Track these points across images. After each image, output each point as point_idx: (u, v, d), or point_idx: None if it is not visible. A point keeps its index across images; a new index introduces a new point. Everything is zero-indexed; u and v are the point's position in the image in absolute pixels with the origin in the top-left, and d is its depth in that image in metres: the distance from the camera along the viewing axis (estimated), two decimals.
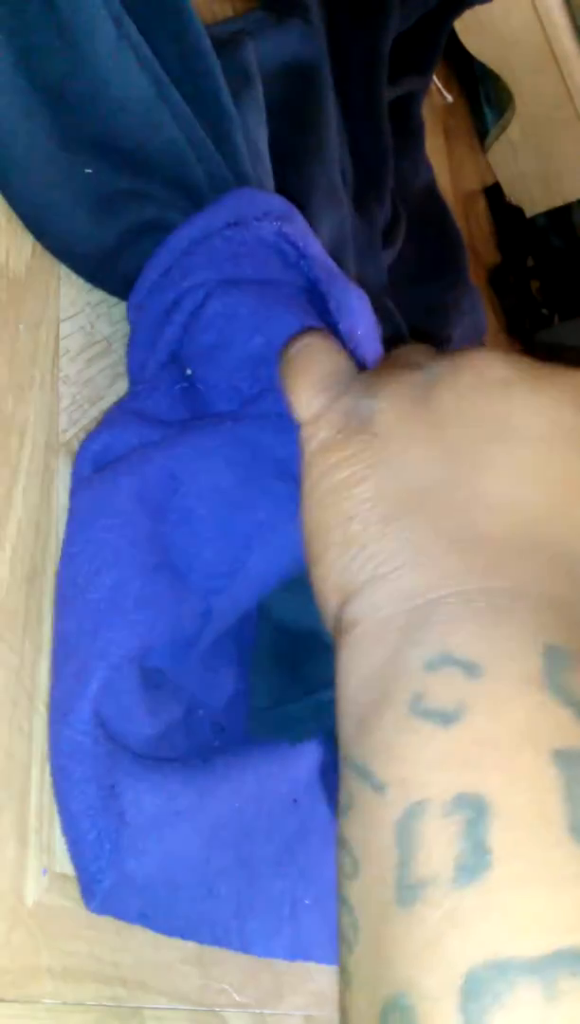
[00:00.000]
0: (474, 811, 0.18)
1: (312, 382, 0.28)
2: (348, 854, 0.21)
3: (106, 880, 0.27)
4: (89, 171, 0.34)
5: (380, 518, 0.24)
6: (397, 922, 0.19)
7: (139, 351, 0.35)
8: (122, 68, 0.33)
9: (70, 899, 0.28)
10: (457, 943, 0.18)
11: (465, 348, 0.28)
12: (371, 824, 0.20)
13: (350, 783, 0.21)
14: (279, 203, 0.36)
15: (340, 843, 0.21)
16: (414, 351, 0.29)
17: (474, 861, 0.18)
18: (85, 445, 0.32)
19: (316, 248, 0.37)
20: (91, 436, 0.32)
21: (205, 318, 0.33)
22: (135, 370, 0.35)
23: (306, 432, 0.27)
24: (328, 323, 0.35)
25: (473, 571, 0.23)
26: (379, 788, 0.20)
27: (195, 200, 0.36)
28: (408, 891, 0.18)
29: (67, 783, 0.27)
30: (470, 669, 0.21)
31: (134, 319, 0.35)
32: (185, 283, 0.34)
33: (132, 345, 0.35)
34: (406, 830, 0.19)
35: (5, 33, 0.32)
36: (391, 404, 0.25)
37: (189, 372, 0.34)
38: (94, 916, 0.28)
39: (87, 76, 0.33)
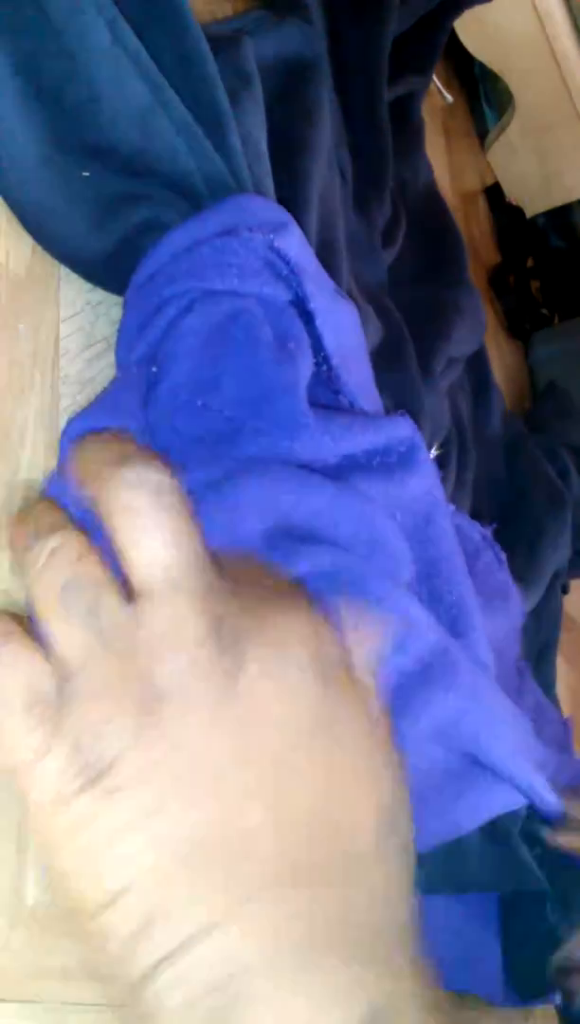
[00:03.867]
0: None
1: (14, 709, 0.22)
2: None
3: None
4: (87, 174, 0.34)
5: (156, 882, 0.21)
6: None
7: (121, 347, 0.35)
8: (117, 74, 0.33)
9: None
10: None
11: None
12: None
13: None
14: (276, 212, 0.36)
15: None
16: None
17: None
18: (66, 426, 0.31)
19: (308, 259, 0.37)
20: (74, 418, 0.32)
21: (181, 328, 0.33)
22: (118, 362, 0.36)
23: (22, 774, 0.22)
24: (313, 339, 0.36)
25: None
26: None
27: (193, 203, 0.36)
28: None
29: None
30: None
31: (122, 316, 0.36)
32: (167, 291, 0.34)
33: (117, 340, 0.35)
34: None
35: (2, 36, 0.32)
36: (136, 754, 0.21)
37: (154, 370, 0.34)
38: None
39: (82, 82, 0.33)
